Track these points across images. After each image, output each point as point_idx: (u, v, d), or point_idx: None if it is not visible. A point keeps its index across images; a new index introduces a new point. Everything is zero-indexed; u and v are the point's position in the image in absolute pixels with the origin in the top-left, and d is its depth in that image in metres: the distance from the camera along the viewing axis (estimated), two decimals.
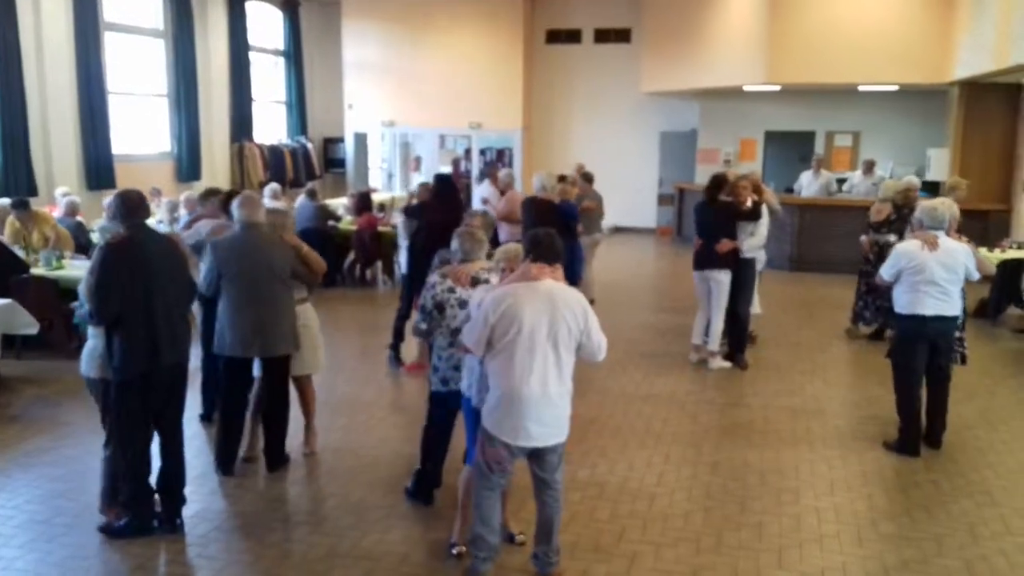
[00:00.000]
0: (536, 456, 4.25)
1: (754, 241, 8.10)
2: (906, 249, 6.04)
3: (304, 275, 5.70)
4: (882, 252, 9.09)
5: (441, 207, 8.06)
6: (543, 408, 4.08)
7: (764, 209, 8.10)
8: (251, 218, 5.52)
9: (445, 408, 5.06)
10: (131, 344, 4.58)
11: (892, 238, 8.98)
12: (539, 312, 4.02)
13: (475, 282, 4.75)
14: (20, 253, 8.77)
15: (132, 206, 4.67)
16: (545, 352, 4.04)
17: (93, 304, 4.58)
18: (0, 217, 9.45)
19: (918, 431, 6.16)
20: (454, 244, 4.98)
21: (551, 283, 4.09)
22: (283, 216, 5.96)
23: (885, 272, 6.12)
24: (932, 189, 13.08)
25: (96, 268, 4.56)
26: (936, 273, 5.90)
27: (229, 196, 6.52)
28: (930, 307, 5.94)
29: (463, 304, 4.66)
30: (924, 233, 6.06)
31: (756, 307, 8.72)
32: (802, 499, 5.39)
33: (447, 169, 18.62)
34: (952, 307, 5.99)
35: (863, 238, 9.26)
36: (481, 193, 10.98)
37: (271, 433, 5.76)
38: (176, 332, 4.75)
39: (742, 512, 5.19)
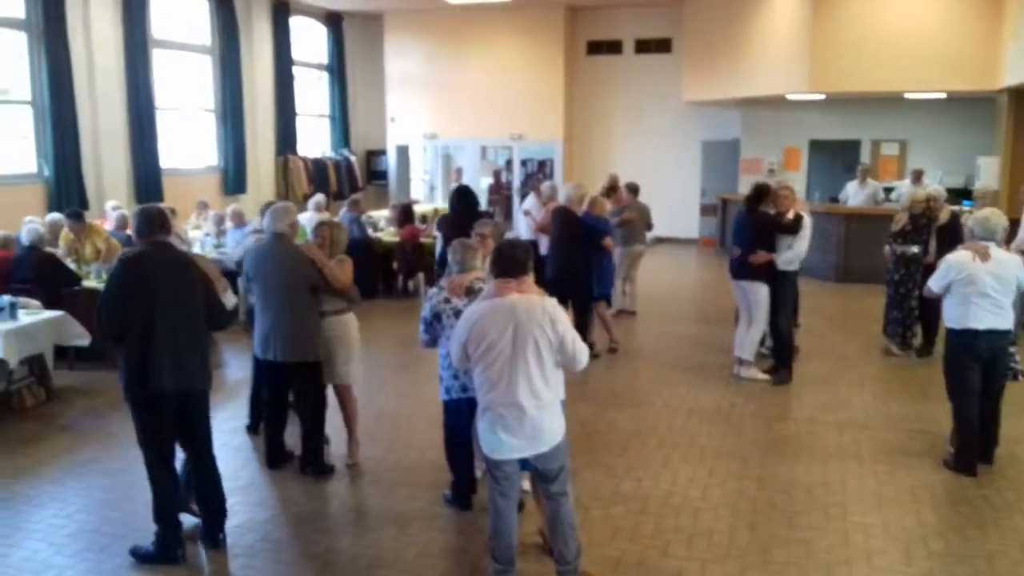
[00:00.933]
0: (532, 468, 4.26)
1: (789, 255, 7.87)
2: (956, 260, 5.86)
3: (325, 288, 5.68)
4: (898, 262, 8.88)
5: (456, 220, 8.18)
6: (512, 420, 4.06)
7: (807, 222, 7.91)
8: (276, 227, 5.72)
9: (454, 415, 5.21)
10: (128, 363, 4.49)
11: (914, 249, 8.75)
12: (502, 328, 4.03)
13: (469, 291, 4.88)
14: (72, 265, 8.96)
15: (151, 223, 4.60)
16: (514, 366, 4.04)
17: (96, 316, 4.54)
18: (54, 231, 9.67)
19: (975, 449, 5.97)
20: (450, 255, 5.18)
21: (515, 298, 4.08)
22: (329, 228, 5.99)
23: (934, 284, 5.95)
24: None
25: (107, 281, 4.60)
26: (988, 284, 5.70)
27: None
28: (983, 320, 5.75)
29: (459, 314, 4.72)
30: (975, 243, 5.86)
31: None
32: (850, 515, 5.30)
33: (488, 180, 18.80)
34: (1006, 320, 5.81)
35: (886, 248, 9.05)
36: (526, 206, 11.02)
37: (304, 436, 5.91)
38: (181, 357, 4.50)
39: (789, 528, 5.12)
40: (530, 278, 4.23)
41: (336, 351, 5.89)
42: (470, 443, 5.27)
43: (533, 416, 4.06)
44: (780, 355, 8.17)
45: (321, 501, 5.54)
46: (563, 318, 4.11)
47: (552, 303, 4.15)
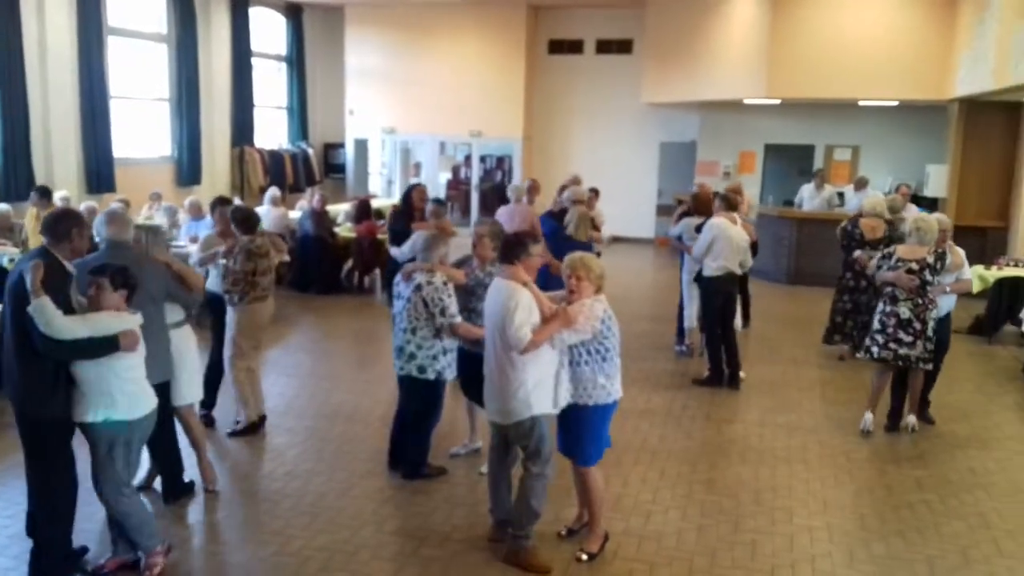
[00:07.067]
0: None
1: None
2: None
3: (181, 295, 5.21)
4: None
5: (398, 216, 8.55)
6: (489, 388, 4.71)
7: (707, 225, 8.14)
8: (117, 236, 4.94)
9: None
10: None
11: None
12: (487, 304, 4.72)
13: (408, 277, 5.55)
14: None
15: (47, 227, 4.41)
16: (494, 339, 4.62)
17: None
18: (2, 221, 9.46)
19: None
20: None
21: (497, 281, 4.70)
22: (153, 233, 5.40)
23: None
24: (931, 205, 13.17)
25: None
26: None
27: (222, 203, 6.57)
28: None
29: (399, 296, 5.61)
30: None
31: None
32: (795, 518, 5.41)
33: (446, 175, 18.78)
34: None
35: (859, 253, 8.58)
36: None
37: (159, 461, 5.50)
38: (6, 366, 4.37)
39: (735, 531, 5.21)
40: (519, 267, 4.63)
41: (175, 368, 5.32)
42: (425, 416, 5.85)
43: (495, 387, 4.64)
44: (711, 361, 8.24)
45: (268, 510, 5.50)
46: (510, 306, 4.43)
47: (514, 289, 4.50)
